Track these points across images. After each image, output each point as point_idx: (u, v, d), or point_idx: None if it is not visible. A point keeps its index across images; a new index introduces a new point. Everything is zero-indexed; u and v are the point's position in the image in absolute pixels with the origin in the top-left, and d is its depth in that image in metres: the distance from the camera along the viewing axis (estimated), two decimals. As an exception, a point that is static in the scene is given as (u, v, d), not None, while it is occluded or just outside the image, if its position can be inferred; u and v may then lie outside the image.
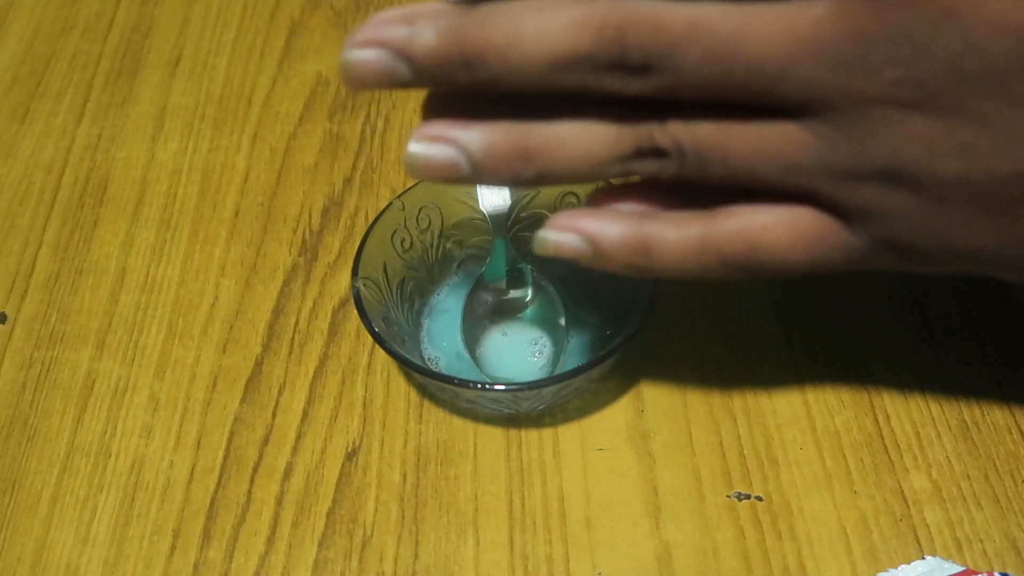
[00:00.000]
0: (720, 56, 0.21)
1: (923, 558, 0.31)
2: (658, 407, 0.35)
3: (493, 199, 0.36)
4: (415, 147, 0.24)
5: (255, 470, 0.35)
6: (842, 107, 0.22)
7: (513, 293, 0.37)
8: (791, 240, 0.24)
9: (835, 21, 0.21)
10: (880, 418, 0.35)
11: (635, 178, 0.26)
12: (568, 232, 0.25)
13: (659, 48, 0.21)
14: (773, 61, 0.21)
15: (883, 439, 0.34)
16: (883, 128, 0.22)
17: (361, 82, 0.23)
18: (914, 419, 0.34)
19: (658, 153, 0.24)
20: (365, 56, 0.23)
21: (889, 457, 0.34)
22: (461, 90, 0.24)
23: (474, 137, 0.23)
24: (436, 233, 0.38)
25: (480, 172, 0.24)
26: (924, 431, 0.34)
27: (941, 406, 0.35)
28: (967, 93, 0.21)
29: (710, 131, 0.23)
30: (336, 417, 0.36)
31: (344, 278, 0.40)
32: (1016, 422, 0.34)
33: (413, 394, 0.36)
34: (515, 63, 0.22)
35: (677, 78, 0.22)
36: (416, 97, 0.47)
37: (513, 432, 0.35)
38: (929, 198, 0.23)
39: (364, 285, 0.33)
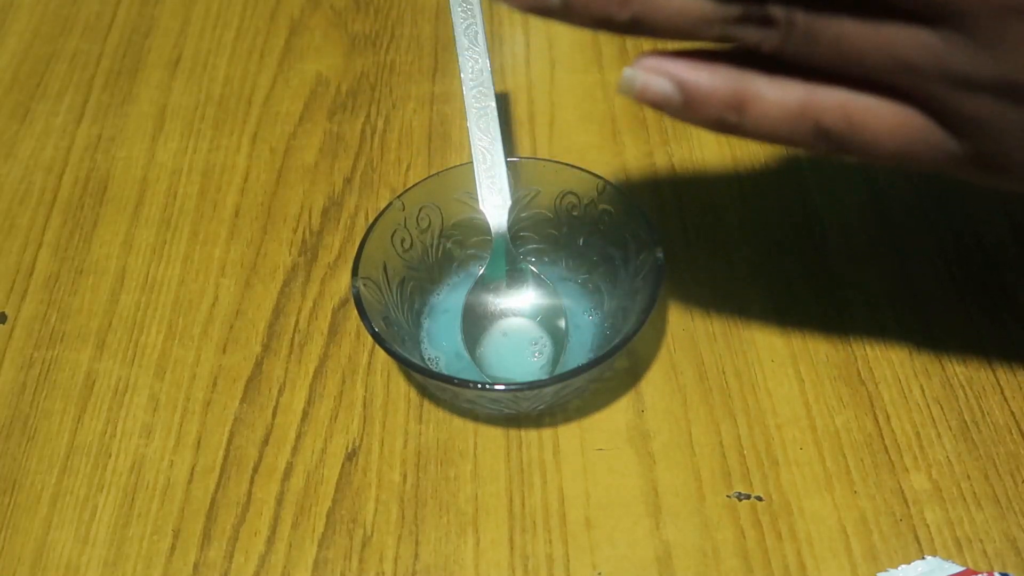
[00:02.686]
0: None
1: (923, 558, 0.31)
2: (658, 407, 0.35)
3: (493, 199, 0.36)
4: None
5: (255, 470, 0.35)
6: (976, 13, 0.21)
7: (513, 293, 0.37)
8: (891, 128, 0.23)
9: None
10: (880, 418, 0.35)
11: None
12: (658, 75, 0.24)
13: None
14: None
15: (883, 439, 0.34)
16: (1013, 40, 0.21)
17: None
18: (914, 419, 0.34)
19: (765, 21, 0.22)
20: None
21: (889, 457, 0.34)
22: None
23: None
24: (436, 233, 0.38)
25: (571, 6, 0.23)
26: (924, 431, 0.34)
27: (941, 406, 0.35)
28: None
29: (830, 10, 0.22)
30: (336, 417, 0.36)
31: (344, 278, 0.40)
32: (1016, 422, 0.34)
33: (413, 394, 0.36)
34: None
35: None
36: (416, 96, 0.48)
37: (513, 432, 0.35)
38: None
39: (364, 285, 0.33)
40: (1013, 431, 0.34)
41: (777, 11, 0.22)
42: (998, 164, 0.24)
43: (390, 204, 0.35)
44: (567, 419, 0.35)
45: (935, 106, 0.23)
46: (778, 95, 0.23)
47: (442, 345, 0.37)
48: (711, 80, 0.24)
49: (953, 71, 0.22)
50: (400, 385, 0.37)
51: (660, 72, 0.24)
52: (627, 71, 0.24)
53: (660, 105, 0.24)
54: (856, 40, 0.22)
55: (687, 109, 0.24)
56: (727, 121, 0.24)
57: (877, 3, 0.21)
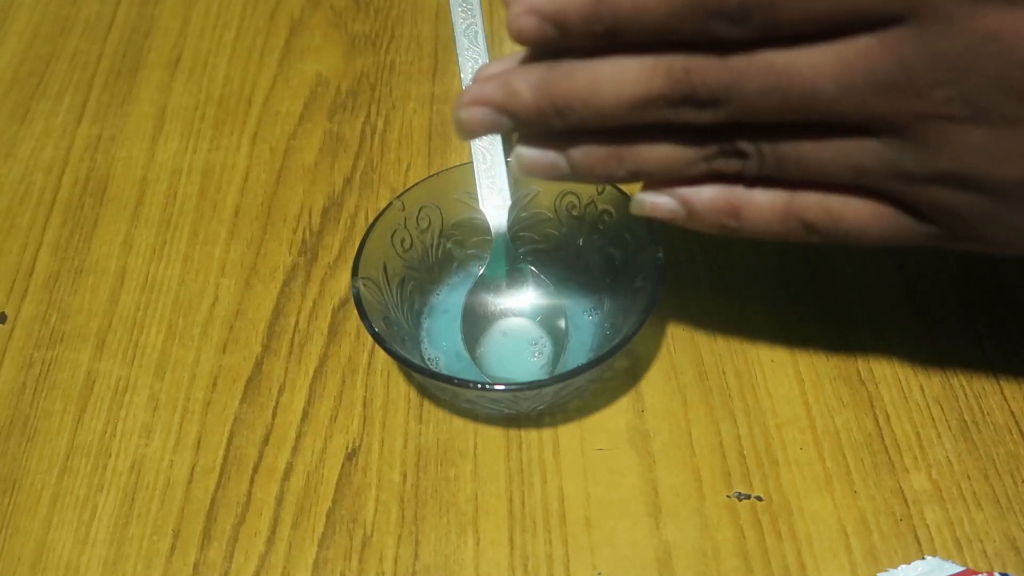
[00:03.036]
0: (776, 86, 0.23)
1: (923, 558, 0.31)
2: (658, 407, 0.35)
3: (493, 199, 0.36)
4: (524, 151, 0.28)
5: (255, 470, 0.35)
6: (899, 124, 0.23)
7: (513, 293, 0.37)
8: (869, 219, 0.26)
9: (881, 50, 0.22)
10: (880, 418, 0.35)
11: None
12: (664, 195, 0.28)
13: (722, 83, 0.24)
14: (826, 88, 0.23)
15: (883, 439, 0.34)
16: (942, 140, 0.23)
17: (471, 135, 0.27)
18: (914, 419, 0.34)
19: (739, 154, 0.26)
20: (472, 114, 0.26)
21: (889, 457, 0.34)
22: (557, 131, 0.27)
23: (574, 152, 0.27)
24: (436, 233, 0.38)
25: (577, 173, 0.27)
26: (924, 431, 0.34)
27: (941, 406, 0.35)
28: (1019, 104, 0.22)
29: (784, 139, 0.25)
30: (336, 417, 0.36)
31: (344, 278, 0.40)
32: (1016, 422, 0.34)
33: (413, 394, 0.36)
34: (599, 108, 0.25)
35: (743, 107, 0.24)
36: (416, 96, 0.48)
37: (513, 432, 0.35)
38: (995, 197, 0.24)
39: (364, 285, 0.33)
40: (1013, 431, 0.34)
41: (746, 146, 0.26)
42: (973, 239, 0.26)
43: (390, 204, 0.35)
44: (567, 419, 0.35)
45: (899, 198, 0.25)
46: (766, 199, 0.27)
47: (442, 345, 0.37)
48: (708, 194, 0.27)
49: (901, 170, 0.24)
50: (400, 385, 0.37)
51: (666, 193, 0.28)
52: (638, 195, 0.28)
53: (669, 219, 0.28)
54: (815, 157, 0.25)
55: (692, 220, 0.28)
56: (728, 226, 0.28)
57: (824, 125, 0.24)
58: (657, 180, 0.28)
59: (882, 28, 0.22)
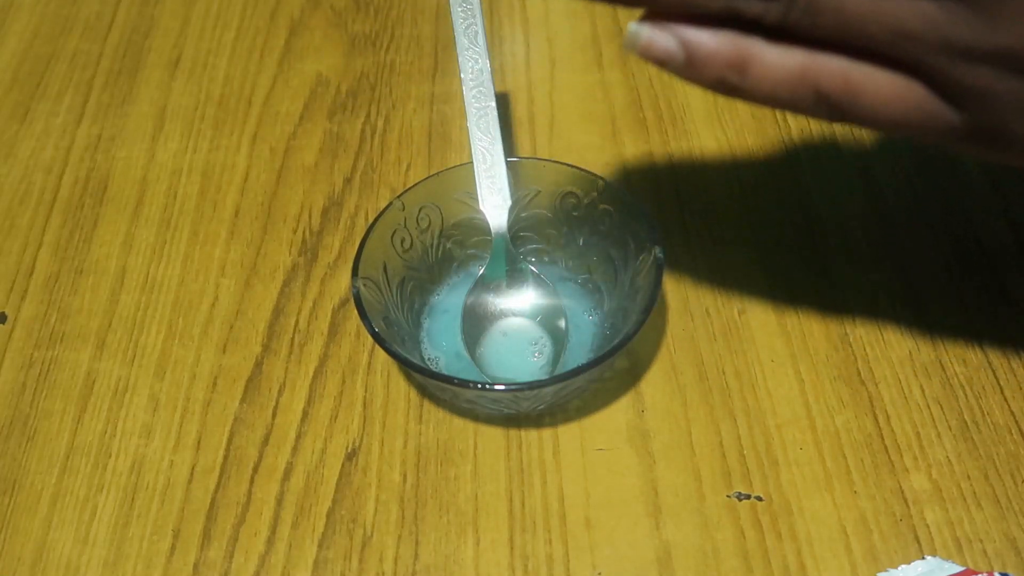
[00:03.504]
0: None
1: (923, 558, 0.31)
2: (658, 407, 0.35)
3: (493, 199, 0.36)
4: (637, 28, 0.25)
5: (255, 470, 0.35)
6: None
7: (513, 293, 0.37)
8: (891, 97, 0.24)
9: None
10: (880, 418, 0.35)
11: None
12: (663, 31, 0.25)
13: None
14: None
15: (883, 439, 0.34)
16: (1012, 10, 0.21)
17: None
18: (914, 419, 0.34)
19: None
20: None
21: (889, 457, 0.34)
22: None
23: None
24: (436, 233, 0.38)
25: None
26: (924, 431, 0.34)
27: (941, 406, 0.35)
28: None
29: None
30: (336, 417, 0.36)
31: (344, 278, 0.40)
32: (1016, 422, 0.34)
33: (413, 394, 0.36)
34: None
35: None
36: (416, 96, 0.48)
37: (513, 432, 0.35)
38: None
39: (364, 285, 0.33)
40: (1013, 431, 0.34)
41: None
42: (997, 137, 0.24)
43: (390, 204, 0.35)
44: (567, 419, 0.35)
45: (936, 77, 0.23)
46: (779, 58, 0.24)
47: (442, 345, 0.37)
48: (714, 40, 0.24)
49: (953, 41, 0.22)
50: (400, 385, 0.37)
51: (666, 29, 0.24)
52: (632, 26, 0.25)
53: (663, 62, 0.25)
54: (857, 9, 0.22)
55: (689, 67, 0.25)
56: (728, 81, 0.24)
57: None
58: (667, 6, 0.24)
59: None
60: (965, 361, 0.36)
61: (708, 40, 0.24)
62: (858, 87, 0.24)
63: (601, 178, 0.36)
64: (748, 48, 0.24)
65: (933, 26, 0.22)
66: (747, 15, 0.24)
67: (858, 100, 0.24)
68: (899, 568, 0.31)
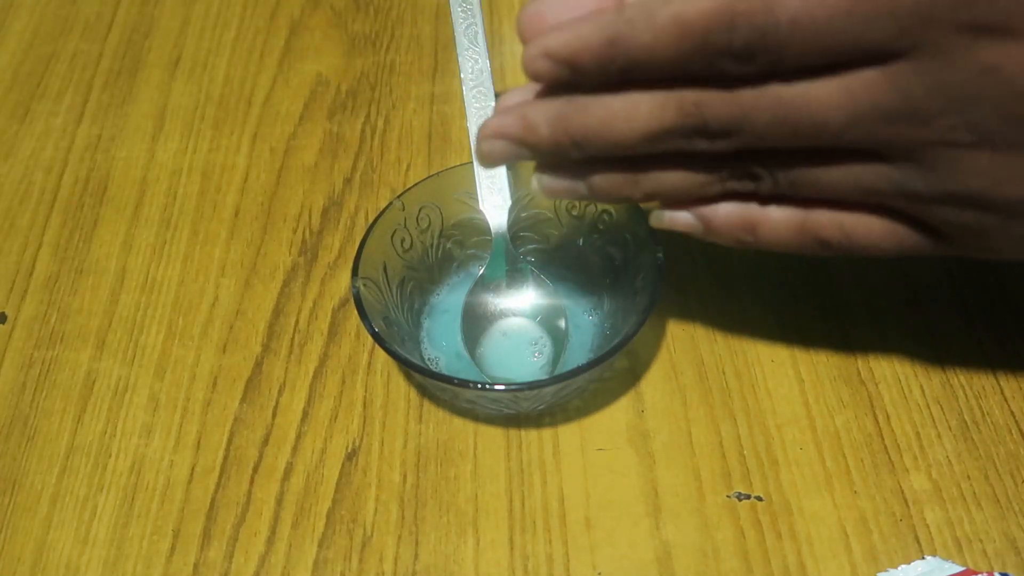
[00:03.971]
0: (786, 118, 0.24)
1: (923, 558, 0.31)
2: (658, 407, 0.35)
3: (493, 199, 0.36)
4: (544, 178, 0.29)
5: (255, 470, 0.35)
6: (907, 149, 0.24)
7: (513, 293, 0.37)
8: (882, 235, 0.27)
9: (885, 83, 0.23)
10: (880, 418, 0.35)
11: None
12: (682, 211, 0.29)
13: (732, 116, 0.25)
14: (834, 118, 0.24)
15: (883, 439, 0.34)
16: (948, 164, 0.24)
17: (493, 163, 0.29)
18: (914, 419, 0.34)
19: (753, 176, 0.27)
20: (493, 146, 0.28)
21: (889, 457, 0.34)
22: (574, 160, 0.28)
23: (592, 178, 0.28)
24: (436, 233, 0.38)
25: (596, 195, 0.29)
26: (924, 431, 0.34)
27: (941, 406, 0.35)
28: (1020, 131, 0.23)
29: (796, 162, 0.26)
30: (336, 417, 0.36)
31: (344, 278, 0.40)
32: (1016, 422, 0.34)
33: (413, 394, 0.36)
34: (614, 140, 0.26)
35: (754, 136, 0.25)
36: (416, 96, 0.48)
37: (513, 432, 0.35)
38: (1002, 214, 0.25)
39: (364, 285, 0.33)
40: (1013, 431, 0.34)
41: (759, 169, 0.27)
42: (985, 251, 0.27)
43: (390, 204, 0.35)
44: (567, 419, 0.35)
45: (911, 216, 0.26)
46: (782, 217, 0.28)
47: (442, 345, 0.37)
48: (726, 211, 0.28)
49: (910, 191, 0.25)
50: (400, 385, 0.37)
51: (684, 209, 0.29)
52: (656, 212, 0.30)
53: (687, 232, 0.29)
54: (827, 179, 0.26)
55: (709, 233, 0.29)
56: (744, 240, 0.29)
57: (835, 150, 0.25)
58: (674, 200, 0.29)
59: (885, 62, 0.23)
60: (965, 361, 0.36)
61: (720, 212, 0.28)
62: (851, 231, 0.27)
63: (601, 178, 0.36)
64: (753, 213, 0.28)
65: (893, 183, 0.25)
66: (743, 192, 0.28)
67: (854, 241, 0.27)
68: (899, 568, 0.31)
